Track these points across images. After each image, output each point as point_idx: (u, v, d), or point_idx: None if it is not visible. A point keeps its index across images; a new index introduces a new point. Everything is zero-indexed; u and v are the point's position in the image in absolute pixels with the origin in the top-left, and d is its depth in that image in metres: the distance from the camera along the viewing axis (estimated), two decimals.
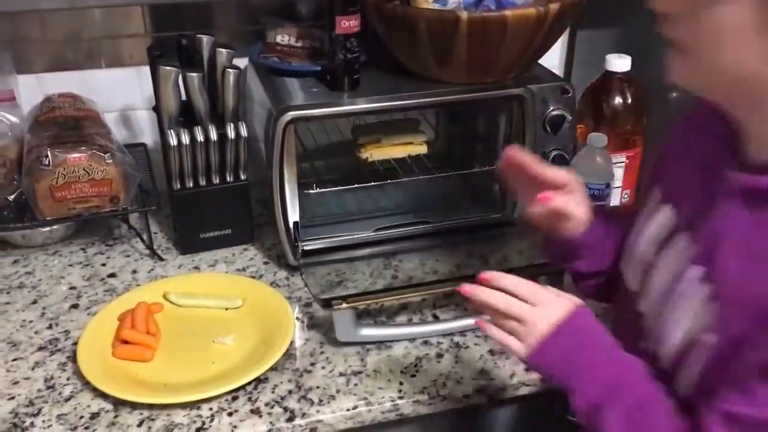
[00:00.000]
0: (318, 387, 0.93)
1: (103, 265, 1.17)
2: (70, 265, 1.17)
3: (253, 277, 1.14)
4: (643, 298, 0.77)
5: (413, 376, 0.96)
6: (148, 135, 1.33)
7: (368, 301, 1.01)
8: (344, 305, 0.96)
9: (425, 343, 1.01)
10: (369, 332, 0.99)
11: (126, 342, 0.97)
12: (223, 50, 1.07)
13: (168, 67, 1.04)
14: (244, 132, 1.10)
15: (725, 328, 0.65)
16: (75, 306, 1.08)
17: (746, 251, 0.65)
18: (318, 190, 1.16)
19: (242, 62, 1.23)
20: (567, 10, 1.05)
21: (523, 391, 0.96)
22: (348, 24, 1.04)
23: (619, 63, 1.20)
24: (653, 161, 0.89)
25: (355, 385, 0.94)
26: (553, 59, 1.47)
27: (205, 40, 1.09)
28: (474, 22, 1.00)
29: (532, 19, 1.01)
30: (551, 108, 1.13)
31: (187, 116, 1.10)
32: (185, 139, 1.08)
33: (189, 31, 1.14)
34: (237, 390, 0.92)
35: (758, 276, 0.63)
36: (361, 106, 1.07)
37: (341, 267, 1.16)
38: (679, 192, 0.77)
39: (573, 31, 1.45)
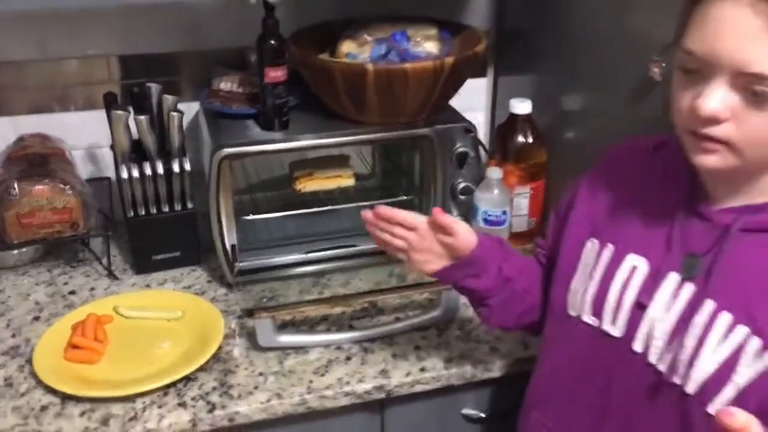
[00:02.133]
0: (239, 384, 1.09)
1: (66, 284, 1.33)
2: (36, 284, 1.33)
3: (197, 294, 1.29)
4: (639, 339, 0.83)
5: (323, 375, 1.11)
6: (112, 170, 1.50)
7: (285, 311, 1.17)
8: (264, 315, 1.12)
9: (338, 348, 1.16)
10: (287, 339, 1.15)
11: (76, 347, 1.12)
12: (169, 96, 1.25)
13: (119, 111, 1.21)
14: (187, 166, 1.27)
15: None
16: (37, 318, 1.23)
17: None
18: (253, 216, 1.32)
19: (196, 105, 1.42)
20: (462, 63, 1.22)
21: (418, 388, 1.11)
22: (275, 74, 1.22)
23: (521, 106, 1.37)
24: (564, 210, 0.99)
25: (272, 382, 1.09)
26: (480, 101, 1.66)
27: (154, 87, 1.27)
28: (379, 73, 1.17)
29: (430, 71, 1.19)
30: (458, 145, 1.30)
31: (139, 153, 1.27)
32: (136, 173, 1.24)
33: (153, 78, 1.32)
34: (168, 387, 1.07)
35: None
36: (285, 144, 1.24)
37: (275, 285, 1.32)
38: (642, 240, 0.85)
39: (496, 78, 1.63)
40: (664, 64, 1.04)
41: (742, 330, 0.76)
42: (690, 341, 0.78)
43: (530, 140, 1.38)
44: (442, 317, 1.21)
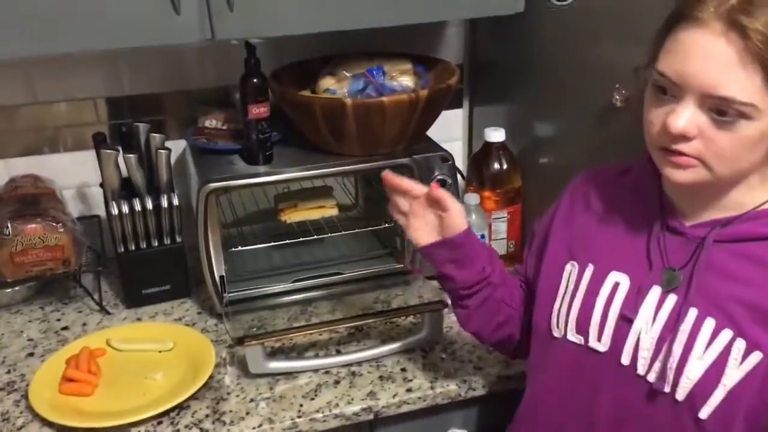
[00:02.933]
0: (231, 411, 1.12)
1: (58, 320, 1.36)
2: (29, 321, 1.36)
3: (187, 325, 1.33)
4: (626, 352, 0.86)
5: (312, 399, 1.14)
6: (101, 208, 1.54)
7: (274, 338, 1.20)
8: (254, 342, 1.16)
9: (326, 372, 1.20)
10: (276, 365, 1.18)
11: (70, 380, 1.15)
12: (156, 135, 1.30)
13: (109, 150, 1.26)
14: (176, 201, 1.32)
15: None
16: (31, 354, 1.26)
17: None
18: (240, 248, 1.37)
19: (183, 143, 1.46)
20: (436, 95, 1.28)
21: (405, 408, 1.15)
22: (258, 110, 1.27)
23: (495, 134, 1.43)
24: (539, 237, 1.04)
25: (263, 408, 1.12)
26: (458, 131, 1.72)
27: (141, 127, 1.32)
28: (358, 106, 1.23)
29: (406, 103, 1.25)
30: (435, 173, 1.35)
31: (129, 190, 1.32)
32: (125, 209, 1.29)
33: (140, 118, 1.37)
34: (162, 416, 1.10)
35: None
36: (269, 177, 1.28)
37: (264, 314, 1.36)
38: (622, 258, 0.90)
39: (471, 109, 1.69)
40: (624, 91, 1.11)
41: (726, 334, 0.80)
42: (678, 348, 0.82)
43: (505, 166, 1.43)
44: (426, 339, 1.25)
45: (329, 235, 1.44)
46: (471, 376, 1.18)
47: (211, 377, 1.17)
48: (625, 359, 0.87)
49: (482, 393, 1.18)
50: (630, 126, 1.12)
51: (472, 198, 1.34)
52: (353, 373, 1.19)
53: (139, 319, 1.36)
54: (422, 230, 1.04)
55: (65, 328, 1.33)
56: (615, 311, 0.88)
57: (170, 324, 1.32)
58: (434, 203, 1.02)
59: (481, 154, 1.46)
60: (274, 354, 1.23)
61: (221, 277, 1.32)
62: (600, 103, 1.16)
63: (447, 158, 1.35)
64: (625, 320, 0.87)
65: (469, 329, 1.08)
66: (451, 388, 1.16)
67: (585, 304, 0.91)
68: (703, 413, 0.81)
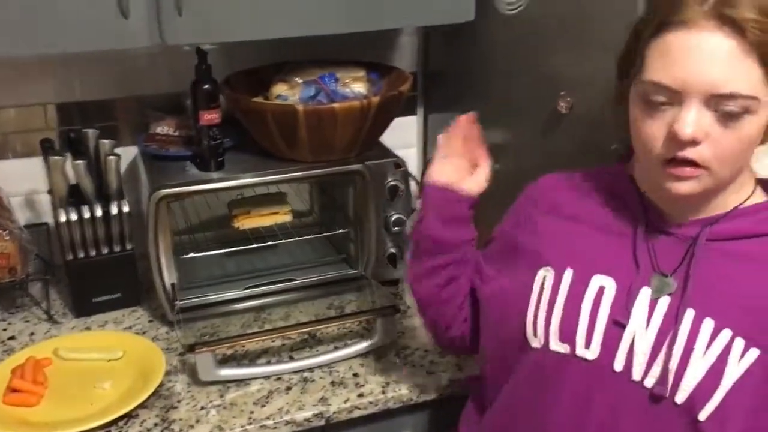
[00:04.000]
0: (181, 419, 1.11)
1: (5, 330, 1.33)
2: None
3: (138, 334, 1.31)
4: (620, 358, 0.82)
5: (263, 406, 1.13)
6: (50, 215, 1.51)
7: (226, 345, 1.20)
8: (205, 350, 1.15)
9: (278, 379, 1.20)
10: (227, 372, 1.18)
11: (15, 390, 1.13)
12: (106, 141, 1.28)
13: (57, 157, 1.24)
14: (126, 208, 1.30)
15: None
16: None
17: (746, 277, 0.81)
18: (192, 255, 1.36)
19: (135, 149, 1.45)
20: (388, 101, 1.29)
21: (357, 414, 1.15)
22: (210, 117, 1.27)
23: None
24: (499, 248, 1.01)
25: (213, 416, 1.11)
26: (413, 138, 1.73)
27: (91, 132, 1.30)
28: (309, 112, 1.24)
29: (357, 110, 1.26)
30: (389, 179, 1.36)
31: (78, 197, 1.30)
32: (74, 216, 1.27)
33: (92, 124, 1.35)
34: (109, 425, 1.08)
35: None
36: (220, 183, 1.28)
37: (216, 321, 1.35)
38: (605, 261, 0.86)
39: (426, 116, 1.71)
40: (569, 99, 1.14)
41: (726, 333, 0.79)
42: (678, 350, 0.80)
43: None
44: (379, 344, 1.25)
45: (283, 241, 1.44)
46: (423, 381, 1.19)
47: (161, 385, 1.16)
48: (618, 365, 0.83)
49: (434, 397, 1.19)
50: (576, 133, 1.16)
51: None
52: (305, 379, 1.19)
53: (88, 328, 1.33)
54: (445, 168, 1.01)
55: (12, 338, 1.31)
56: (604, 316, 0.84)
57: (120, 332, 1.31)
58: (473, 154, 1.01)
59: None
60: (226, 361, 1.23)
61: (172, 285, 1.30)
62: (547, 110, 1.19)
63: (399, 164, 1.37)
64: (617, 325, 0.83)
65: (412, 285, 1.05)
66: (402, 392, 1.17)
67: (568, 310, 0.86)
68: (702, 415, 0.79)
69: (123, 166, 1.47)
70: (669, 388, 0.80)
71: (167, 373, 1.19)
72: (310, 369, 1.21)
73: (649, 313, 0.83)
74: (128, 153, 1.47)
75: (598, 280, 0.86)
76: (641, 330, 0.82)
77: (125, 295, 1.37)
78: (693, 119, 0.75)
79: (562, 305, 0.87)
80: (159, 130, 1.39)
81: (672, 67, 0.75)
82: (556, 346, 0.86)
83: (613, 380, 0.83)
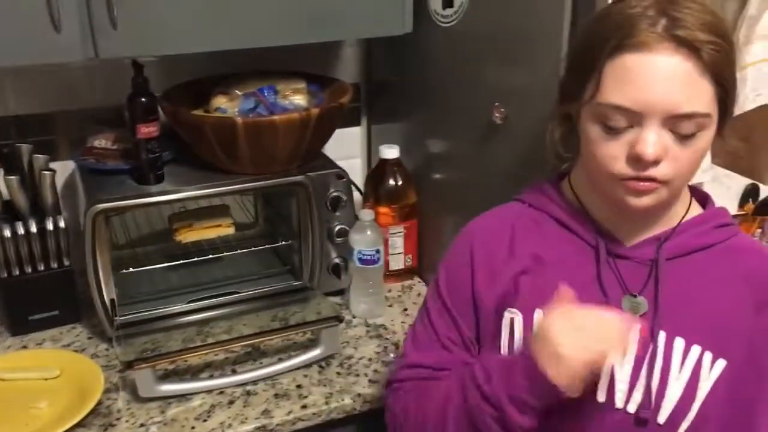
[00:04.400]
0: None
1: None
2: None
3: (77, 351, 1.28)
4: (602, 389, 0.83)
5: (205, 420, 1.12)
6: None
7: (167, 360, 1.18)
8: (144, 365, 1.13)
9: (221, 393, 1.19)
10: (167, 387, 1.16)
11: None
12: (40, 156, 1.26)
13: None
14: (62, 224, 1.28)
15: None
16: None
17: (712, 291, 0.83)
18: (132, 269, 1.34)
19: (73, 164, 1.42)
20: (328, 113, 1.30)
21: (300, 425, 1.15)
22: (147, 130, 1.26)
23: (389, 152, 1.46)
24: (456, 296, 0.93)
25: None
26: (356, 149, 1.74)
27: (24, 147, 1.28)
28: (248, 125, 1.23)
29: (297, 122, 1.26)
30: (331, 190, 1.37)
31: (11, 213, 1.27)
32: (8, 232, 1.24)
33: (28, 138, 1.33)
34: None
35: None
36: (159, 197, 1.27)
37: (158, 336, 1.33)
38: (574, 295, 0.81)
39: (369, 127, 1.73)
40: (503, 110, 1.16)
41: (695, 350, 0.83)
42: (657, 373, 0.82)
43: (400, 183, 1.47)
44: (323, 354, 1.26)
45: (226, 254, 1.43)
46: (366, 390, 1.20)
47: (99, 403, 1.13)
48: (601, 396, 0.84)
49: (377, 406, 1.20)
50: (512, 144, 1.19)
51: (368, 214, 1.36)
52: (248, 393, 1.19)
53: (24, 347, 1.30)
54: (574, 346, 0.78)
55: None
56: None
57: (57, 350, 1.28)
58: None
59: (376, 171, 1.49)
60: (167, 376, 1.21)
61: (112, 301, 1.28)
62: (483, 120, 1.21)
63: (342, 175, 1.37)
64: None
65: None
66: (346, 402, 1.18)
67: None
68: (681, 430, 0.82)
69: (61, 181, 1.45)
70: (652, 411, 0.82)
71: (107, 391, 1.17)
72: (254, 382, 1.21)
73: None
74: (67, 167, 1.45)
75: None
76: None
77: (63, 312, 1.35)
78: (654, 140, 0.76)
79: None
80: (96, 143, 1.37)
81: (632, 89, 0.76)
82: None
83: (598, 411, 0.84)
